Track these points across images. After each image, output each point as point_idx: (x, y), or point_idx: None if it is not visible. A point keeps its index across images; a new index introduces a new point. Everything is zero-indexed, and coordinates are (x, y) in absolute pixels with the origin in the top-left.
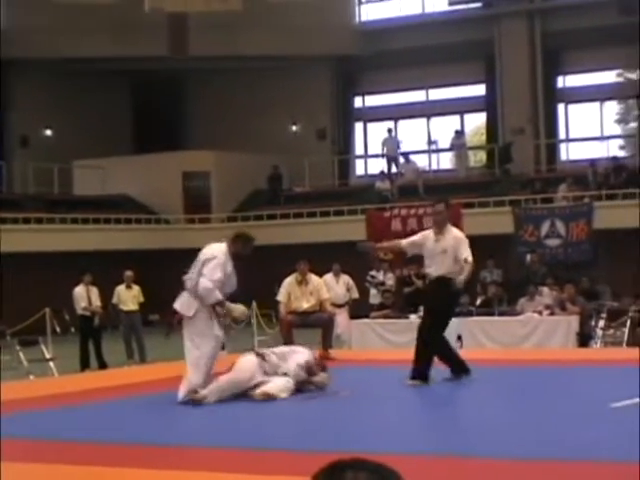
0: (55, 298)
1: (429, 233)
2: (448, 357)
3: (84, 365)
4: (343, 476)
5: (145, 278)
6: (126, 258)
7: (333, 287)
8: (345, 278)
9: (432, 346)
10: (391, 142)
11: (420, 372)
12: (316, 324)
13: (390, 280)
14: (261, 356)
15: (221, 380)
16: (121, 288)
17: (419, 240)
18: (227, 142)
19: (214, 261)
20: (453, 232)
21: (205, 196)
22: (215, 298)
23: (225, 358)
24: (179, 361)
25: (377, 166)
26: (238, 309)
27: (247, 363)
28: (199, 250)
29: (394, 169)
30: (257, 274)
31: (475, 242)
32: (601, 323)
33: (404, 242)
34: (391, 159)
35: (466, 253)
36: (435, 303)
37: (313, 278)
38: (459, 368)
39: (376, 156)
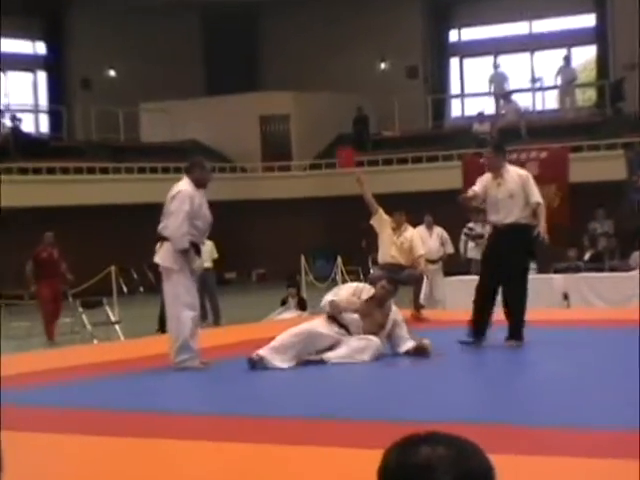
0: (122, 255)
1: (487, 177)
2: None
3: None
4: (418, 451)
5: (220, 233)
6: None
7: (426, 241)
8: (439, 231)
9: (521, 300)
10: (498, 78)
11: (516, 330)
12: (407, 282)
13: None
14: (332, 319)
15: (287, 336)
16: None
17: (481, 188)
18: (308, 82)
19: (179, 196)
20: (514, 171)
21: (284, 142)
22: (182, 245)
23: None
24: (255, 323)
25: (475, 106)
26: (194, 261)
27: (317, 323)
28: (279, 202)
29: (496, 109)
30: (341, 227)
31: (583, 190)
32: None
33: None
34: (499, 97)
35: (537, 195)
36: (511, 255)
37: (409, 230)
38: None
39: (474, 95)
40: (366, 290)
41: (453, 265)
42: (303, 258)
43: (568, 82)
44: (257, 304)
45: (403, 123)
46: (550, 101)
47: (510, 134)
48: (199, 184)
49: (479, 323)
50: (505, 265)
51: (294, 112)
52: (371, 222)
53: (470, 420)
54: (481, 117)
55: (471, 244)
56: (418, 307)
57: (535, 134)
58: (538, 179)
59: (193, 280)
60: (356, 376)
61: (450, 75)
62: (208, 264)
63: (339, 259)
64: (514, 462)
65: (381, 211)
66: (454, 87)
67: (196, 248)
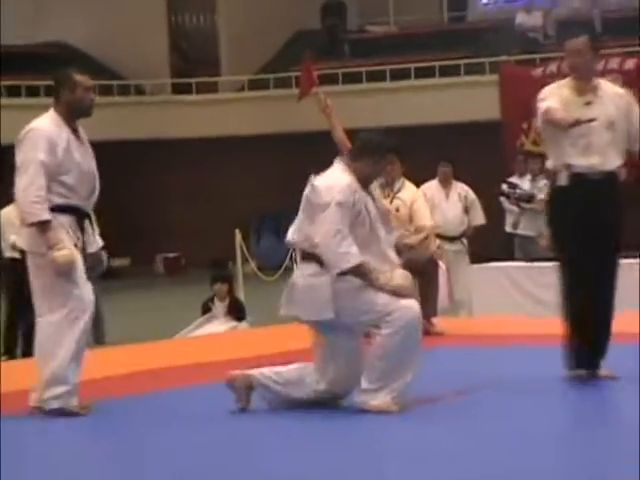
0: None
1: (566, 91)
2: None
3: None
4: None
5: (104, 196)
6: None
7: (439, 206)
8: (460, 189)
9: (609, 303)
10: None
11: (589, 355)
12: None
13: (544, 191)
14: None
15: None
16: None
17: (556, 105)
18: None
19: (28, 137)
20: (609, 87)
21: (208, 45)
22: (34, 216)
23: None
24: (161, 341)
25: None
26: (62, 252)
27: None
28: (200, 143)
29: None
30: (301, 182)
31: None
32: None
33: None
34: None
35: None
36: (615, 227)
37: (407, 188)
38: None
39: None
40: None
41: (486, 244)
42: (238, 234)
43: None
44: (164, 309)
45: (402, 13)
46: None
47: (576, 30)
48: (71, 113)
49: (585, 339)
50: (604, 243)
51: None
52: None
53: None
54: (529, 2)
55: (512, 209)
56: (429, 315)
57: (612, 29)
58: None
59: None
60: None
61: None
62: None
63: (238, 235)
64: None
65: None
66: None
67: (77, 219)
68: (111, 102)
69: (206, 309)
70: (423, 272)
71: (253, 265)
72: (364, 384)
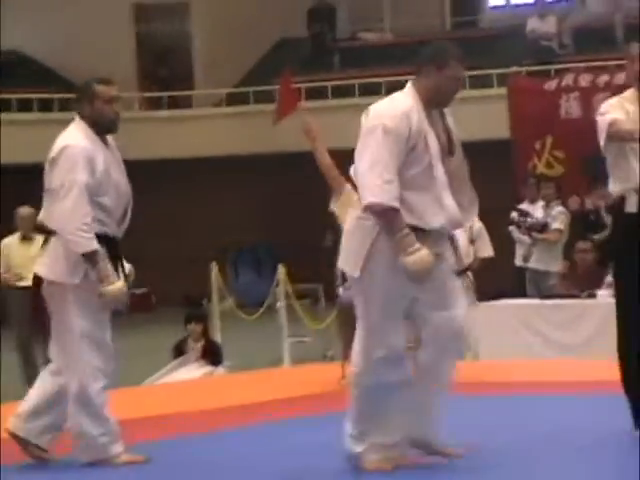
0: None
1: (630, 105)
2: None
3: None
4: None
5: None
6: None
7: None
8: None
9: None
10: None
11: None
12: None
13: (559, 220)
14: None
15: None
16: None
17: (619, 116)
18: None
19: (63, 155)
20: None
21: (181, 55)
22: (85, 245)
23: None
24: (126, 387)
25: None
26: (107, 275)
27: None
28: (171, 164)
29: None
30: (285, 210)
31: None
32: None
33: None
34: None
35: None
36: None
37: None
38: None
39: None
40: None
41: (494, 279)
42: (215, 267)
43: None
44: (130, 352)
45: (398, 19)
46: None
47: (596, 38)
48: (94, 128)
49: None
50: None
51: None
52: (331, 207)
53: None
54: (543, 7)
55: (523, 240)
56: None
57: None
58: None
59: (105, 312)
60: None
61: None
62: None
63: (281, 269)
64: None
65: (349, 187)
66: None
67: (110, 249)
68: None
69: (178, 352)
70: None
71: (231, 302)
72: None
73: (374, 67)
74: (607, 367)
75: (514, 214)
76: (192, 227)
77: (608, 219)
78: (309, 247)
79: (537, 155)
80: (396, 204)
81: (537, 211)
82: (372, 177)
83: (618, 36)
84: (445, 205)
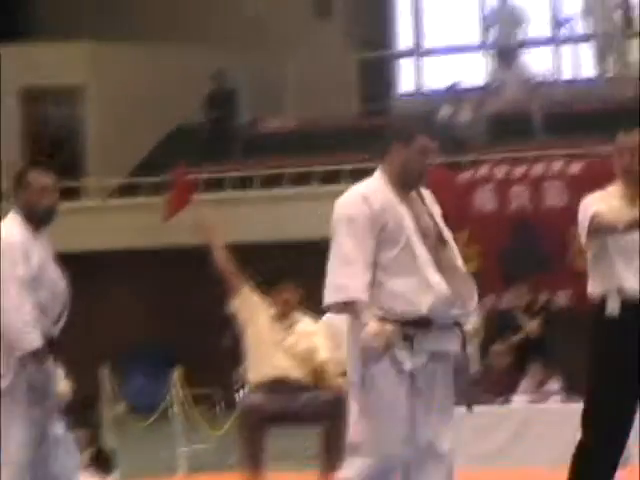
0: None
1: (615, 200)
2: None
3: None
4: None
5: None
6: None
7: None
8: None
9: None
10: (505, 16)
11: None
12: (309, 418)
13: (470, 321)
14: None
15: None
16: None
17: (606, 212)
18: (118, 26)
19: (3, 253)
20: None
21: (71, 141)
22: (29, 343)
23: None
24: None
25: (446, 73)
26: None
27: None
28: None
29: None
30: (181, 308)
31: None
32: None
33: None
34: (501, 55)
35: None
36: None
37: (305, 319)
38: None
39: (446, 51)
40: None
41: None
42: (104, 369)
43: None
44: None
45: (304, 105)
46: (587, 63)
47: (512, 125)
48: (34, 217)
49: None
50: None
51: (92, 82)
52: (230, 306)
53: None
54: (456, 91)
55: None
56: (330, 468)
57: (559, 126)
58: (566, 214)
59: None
60: None
61: (397, 11)
62: None
63: (176, 371)
64: None
65: (248, 287)
66: (404, 37)
67: (50, 348)
68: None
69: None
70: (330, 418)
71: (123, 407)
72: None
73: (277, 157)
74: (521, 477)
75: None
76: (81, 326)
77: (524, 320)
78: (206, 348)
79: None
80: (352, 297)
81: None
82: (330, 276)
83: (535, 126)
84: (431, 283)
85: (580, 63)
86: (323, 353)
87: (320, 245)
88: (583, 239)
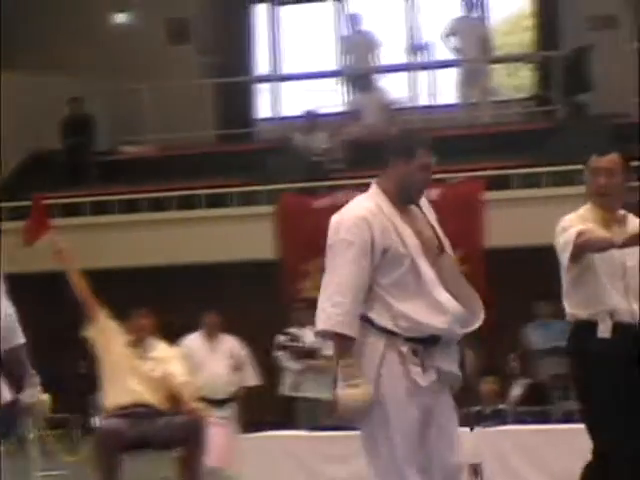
0: None
1: (589, 223)
2: None
3: None
4: None
5: None
6: None
7: (204, 362)
8: (230, 343)
9: None
10: (359, 41)
11: None
12: (165, 442)
13: (330, 346)
14: None
15: None
16: None
17: (592, 229)
18: None
19: None
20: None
21: None
22: None
23: None
24: None
25: (303, 99)
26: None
27: None
28: None
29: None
30: (36, 335)
31: (510, 259)
32: None
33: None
34: (356, 81)
35: None
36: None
37: (160, 345)
38: None
39: (305, 77)
40: None
41: (261, 409)
42: None
43: (477, 51)
44: None
45: (162, 131)
46: (447, 89)
47: (370, 153)
48: None
49: None
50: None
51: None
52: (85, 332)
53: None
54: (312, 119)
55: (291, 367)
56: None
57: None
58: None
59: None
60: None
61: (254, 37)
62: None
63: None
64: None
65: (104, 313)
66: (262, 63)
67: None
68: None
69: None
70: (186, 443)
71: None
72: None
73: (135, 183)
74: None
75: (282, 338)
76: None
77: None
78: (63, 372)
79: (305, 277)
80: (340, 329)
81: (307, 336)
82: (322, 302)
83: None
84: (441, 303)
85: (438, 89)
86: (179, 378)
87: (176, 271)
88: (564, 260)
